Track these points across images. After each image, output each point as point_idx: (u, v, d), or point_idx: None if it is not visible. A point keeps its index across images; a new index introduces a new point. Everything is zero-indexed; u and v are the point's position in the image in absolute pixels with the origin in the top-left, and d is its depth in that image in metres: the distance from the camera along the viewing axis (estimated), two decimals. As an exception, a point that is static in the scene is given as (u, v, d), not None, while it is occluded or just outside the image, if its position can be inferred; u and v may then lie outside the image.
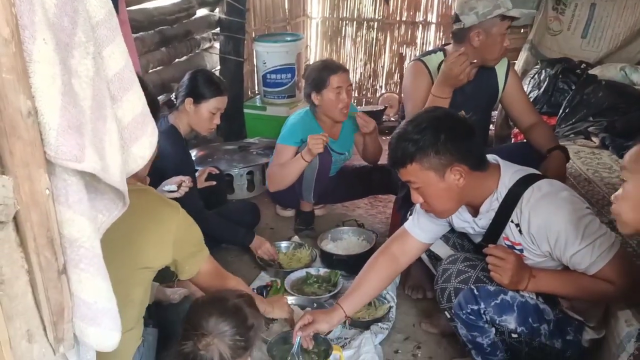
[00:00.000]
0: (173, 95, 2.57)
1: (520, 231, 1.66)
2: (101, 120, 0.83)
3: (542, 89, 3.45)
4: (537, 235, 1.62)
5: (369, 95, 5.39)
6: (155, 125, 0.99)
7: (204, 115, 2.47)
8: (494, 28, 2.22)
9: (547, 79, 3.45)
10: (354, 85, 5.41)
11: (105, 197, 0.93)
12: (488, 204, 1.72)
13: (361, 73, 5.38)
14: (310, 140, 2.62)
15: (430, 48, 4.87)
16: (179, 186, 2.26)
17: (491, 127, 3.73)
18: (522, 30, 4.28)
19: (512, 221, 1.68)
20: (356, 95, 5.44)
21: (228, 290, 1.50)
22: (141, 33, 3.11)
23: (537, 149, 2.37)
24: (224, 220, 2.59)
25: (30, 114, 0.71)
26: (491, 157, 1.77)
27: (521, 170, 1.73)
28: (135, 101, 0.93)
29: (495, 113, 3.64)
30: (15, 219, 0.75)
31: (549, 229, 1.59)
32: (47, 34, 0.72)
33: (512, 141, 3.40)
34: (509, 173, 1.71)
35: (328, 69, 2.80)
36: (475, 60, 2.24)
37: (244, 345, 1.32)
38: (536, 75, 3.53)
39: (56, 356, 0.84)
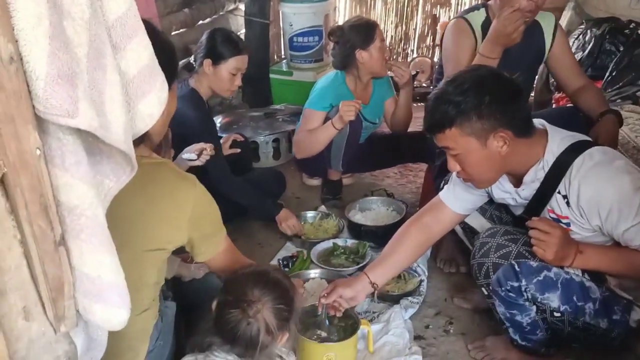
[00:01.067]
0: (192, 58, 2.45)
1: (568, 203, 1.52)
2: (100, 70, 0.72)
3: (587, 51, 3.22)
4: (587, 208, 1.47)
5: (399, 59, 5.18)
6: (165, 80, 0.88)
7: (224, 76, 2.35)
8: None
9: (593, 39, 3.22)
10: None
11: (111, 161, 0.83)
12: (533, 173, 1.57)
13: (392, 36, 5.16)
14: (342, 107, 2.49)
15: (467, 8, 4.63)
16: (200, 154, 2.17)
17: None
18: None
19: (559, 192, 1.54)
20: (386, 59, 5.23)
21: (263, 265, 1.45)
22: (163, -8, 2.99)
23: (585, 114, 2.19)
24: (252, 188, 2.50)
25: (13, 59, 0.61)
26: (538, 122, 1.61)
27: (571, 137, 1.57)
28: (141, 51, 0.82)
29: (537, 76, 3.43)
30: (3, 183, 0.66)
31: (601, 202, 1.44)
32: (31, -35, 0.61)
33: (554, 107, 3.20)
34: (557, 139, 1.56)
35: (371, 24, 2.70)
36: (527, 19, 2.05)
37: (287, 316, 1.29)
38: (581, 36, 3.30)
39: (57, 335, 0.76)
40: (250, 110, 3.71)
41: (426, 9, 4.99)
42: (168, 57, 1.08)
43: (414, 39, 5.11)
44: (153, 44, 0.85)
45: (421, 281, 2.13)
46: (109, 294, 0.79)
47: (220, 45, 2.33)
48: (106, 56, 0.73)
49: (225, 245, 1.46)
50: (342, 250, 2.35)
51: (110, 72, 0.74)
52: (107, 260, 0.78)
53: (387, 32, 5.14)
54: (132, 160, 0.83)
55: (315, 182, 3.03)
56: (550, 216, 1.58)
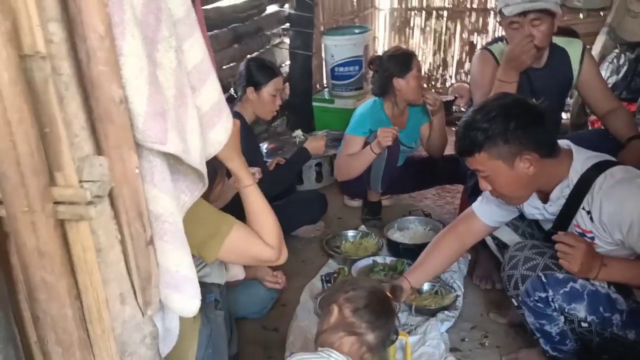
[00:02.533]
0: (232, 90, 2.70)
1: (591, 218, 1.62)
2: (183, 107, 0.92)
3: (621, 74, 3.27)
4: (609, 223, 1.57)
5: (438, 85, 5.32)
6: (230, 113, 1.08)
7: (266, 99, 2.62)
8: (502, 22, 2.29)
9: (627, 63, 3.28)
10: (423, 75, 5.38)
11: (187, 179, 1.03)
12: (559, 190, 1.69)
13: (430, 63, 5.31)
14: (380, 133, 2.67)
15: (489, 40, 4.77)
16: None
17: (566, 115, 3.59)
18: (601, 14, 4.07)
19: (583, 208, 1.64)
20: (425, 85, 5.38)
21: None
22: (215, 31, 3.27)
23: (615, 137, 2.27)
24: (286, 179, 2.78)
25: (122, 101, 0.80)
26: (563, 143, 1.73)
27: (595, 157, 1.68)
28: (212, 91, 1.02)
29: (571, 101, 3.50)
30: (110, 194, 0.85)
31: (622, 217, 1.54)
32: (135, 30, 0.81)
33: (589, 129, 3.26)
34: (582, 159, 1.67)
35: (408, 54, 2.89)
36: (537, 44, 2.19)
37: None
38: (615, 60, 3.36)
39: (144, 318, 0.94)
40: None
41: (463, 36, 5.13)
42: None
43: (452, 65, 5.24)
44: None
45: (457, 296, 2.23)
46: (184, 286, 0.97)
47: (258, 73, 2.61)
48: (187, 96, 0.93)
49: (232, 236, 1.42)
50: (382, 267, 2.48)
51: (190, 108, 0.94)
52: (184, 258, 0.97)
53: (425, 59, 5.30)
54: (204, 178, 1.02)
55: (356, 203, 3.18)
56: (576, 231, 1.68)
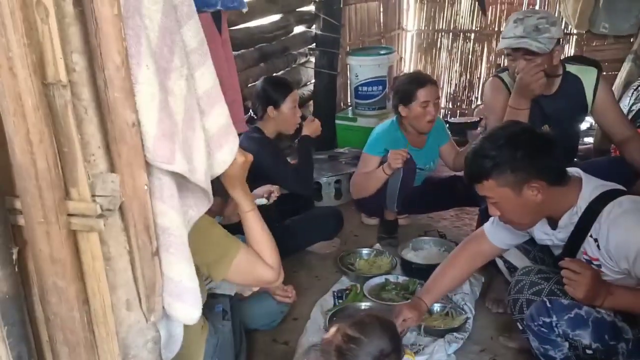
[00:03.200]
0: (251, 112, 2.80)
1: (598, 246, 1.63)
2: (191, 130, 1.00)
3: (645, 101, 3.25)
4: (616, 252, 1.58)
5: (463, 106, 5.34)
6: (237, 134, 1.15)
7: (287, 113, 2.73)
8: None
9: (651, 90, 3.26)
10: (448, 96, 5.41)
11: (195, 195, 1.11)
12: (567, 217, 1.70)
13: (456, 84, 5.34)
14: (390, 155, 2.72)
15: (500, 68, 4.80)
16: (269, 196, 2.45)
17: (590, 139, 3.57)
18: (630, 40, 4.04)
19: (591, 235, 1.66)
20: (451, 107, 5.42)
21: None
22: (242, 50, 3.38)
23: (631, 165, 2.27)
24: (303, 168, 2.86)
25: (134, 124, 0.89)
26: (574, 170, 1.75)
27: (604, 186, 1.69)
28: (221, 114, 1.10)
29: (595, 126, 3.48)
30: (120, 208, 0.93)
31: (628, 247, 1.55)
32: (149, 61, 0.90)
33: (612, 155, 3.23)
34: (590, 187, 1.68)
35: (416, 82, 2.86)
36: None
37: None
38: (639, 87, 3.34)
39: (148, 324, 1.01)
40: (316, 153, 3.97)
41: (490, 59, 5.15)
42: None
43: (478, 87, 5.26)
44: None
45: (467, 319, 2.24)
46: (186, 296, 1.04)
47: (274, 92, 2.72)
48: (195, 120, 1.01)
49: (239, 260, 1.49)
50: (394, 286, 2.50)
51: (198, 131, 1.01)
52: (187, 270, 1.04)
53: (451, 80, 5.34)
54: (209, 195, 1.10)
55: (373, 221, 3.22)
56: (584, 258, 1.69)
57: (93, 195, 0.87)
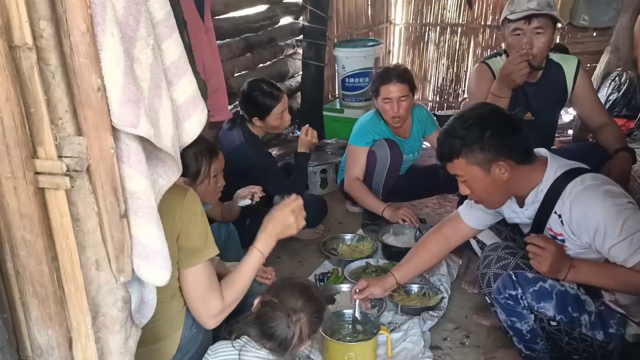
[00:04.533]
0: (241, 111, 2.82)
1: (562, 222, 1.69)
2: (157, 98, 1.05)
3: (622, 91, 3.33)
4: (577, 226, 1.64)
5: (450, 99, 5.40)
6: (205, 106, 1.20)
7: (275, 122, 2.74)
8: (505, 31, 2.35)
9: (628, 81, 3.33)
10: (436, 89, 5.46)
11: (165, 165, 1.16)
12: (533, 195, 1.76)
13: (443, 77, 5.40)
14: (398, 212, 2.85)
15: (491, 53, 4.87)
16: (252, 197, 2.48)
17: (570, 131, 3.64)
18: (610, 32, 4.11)
19: (555, 212, 1.71)
20: (438, 100, 5.48)
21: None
22: (227, 40, 3.43)
23: (605, 150, 2.33)
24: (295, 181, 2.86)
25: (100, 89, 0.93)
26: (541, 151, 1.81)
27: (567, 164, 1.75)
28: (188, 86, 1.14)
29: (575, 116, 3.55)
30: (88, 171, 0.98)
31: (589, 221, 1.60)
32: (115, 29, 0.95)
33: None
34: (555, 166, 1.74)
35: (382, 77, 2.90)
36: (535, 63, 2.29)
37: (317, 328, 1.56)
38: (617, 78, 3.41)
39: (117, 284, 1.06)
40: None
41: (477, 52, 5.21)
42: None
43: (465, 80, 5.32)
44: None
45: (443, 298, 2.31)
46: (155, 258, 1.09)
47: (261, 101, 2.69)
48: (162, 88, 1.05)
49: (204, 266, 1.49)
50: (374, 269, 2.56)
51: (164, 99, 1.06)
52: (156, 233, 1.08)
53: (438, 74, 5.40)
54: (178, 164, 1.15)
55: (357, 209, 3.26)
56: (549, 233, 1.75)
57: (60, 156, 0.92)
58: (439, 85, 5.41)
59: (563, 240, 1.70)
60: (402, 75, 2.90)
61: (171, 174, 1.17)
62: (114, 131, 0.99)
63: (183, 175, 1.74)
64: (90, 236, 1.01)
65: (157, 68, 1.05)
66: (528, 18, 2.25)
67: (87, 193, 0.99)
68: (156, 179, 1.14)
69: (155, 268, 1.10)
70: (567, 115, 3.90)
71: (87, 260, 1.02)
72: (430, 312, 2.22)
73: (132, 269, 1.09)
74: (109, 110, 0.96)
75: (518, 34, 2.30)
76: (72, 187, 0.96)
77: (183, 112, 1.15)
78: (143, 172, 1.05)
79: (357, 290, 2.02)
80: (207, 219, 1.55)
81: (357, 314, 2.00)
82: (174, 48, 1.10)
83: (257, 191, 2.50)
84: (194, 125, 1.17)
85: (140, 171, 1.04)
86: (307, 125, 2.85)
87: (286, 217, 1.62)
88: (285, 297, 1.51)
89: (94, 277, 1.03)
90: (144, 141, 1.05)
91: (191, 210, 1.46)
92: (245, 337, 1.52)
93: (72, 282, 0.97)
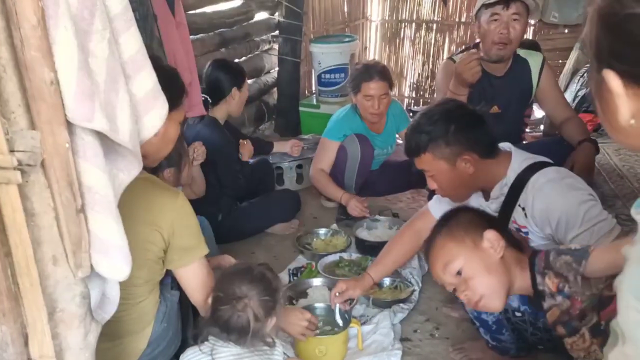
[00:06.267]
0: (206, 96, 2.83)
1: (525, 215, 1.72)
2: (114, 92, 1.04)
3: (590, 87, 3.39)
4: (540, 218, 1.67)
5: (426, 95, 5.44)
6: (166, 100, 1.19)
7: (245, 94, 2.86)
8: (481, 18, 2.40)
9: (596, 76, 3.39)
10: (412, 85, 5.50)
11: (125, 159, 1.15)
12: (498, 189, 1.79)
13: (419, 74, 5.45)
14: (351, 203, 2.88)
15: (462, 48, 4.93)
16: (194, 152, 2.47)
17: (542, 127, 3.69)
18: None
19: (519, 205, 1.75)
20: (414, 95, 5.52)
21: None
22: (201, 35, 3.40)
23: (569, 143, 2.38)
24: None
25: (53, 83, 0.92)
26: (505, 145, 1.84)
27: (531, 158, 1.79)
28: (147, 79, 1.14)
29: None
30: (43, 165, 0.97)
31: (550, 213, 1.64)
32: (68, 22, 0.93)
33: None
34: (519, 160, 1.78)
35: (364, 74, 2.94)
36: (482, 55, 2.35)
37: (272, 305, 1.54)
38: (585, 74, 3.47)
39: (76, 279, 1.05)
40: (280, 139, 4.05)
41: (452, 49, 5.26)
42: (171, 87, 1.38)
43: (440, 75, 5.36)
44: (162, 77, 1.18)
45: (413, 291, 2.34)
46: (114, 253, 1.08)
47: (237, 73, 2.83)
48: (119, 82, 1.05)
49: (199, 264, 1.58)
50: (347, 263, 2.58)
51: (122, 93, 1.05)
52: (114, 228, 1.08)
53: (414, 70, 5.43)
54: (139, 158, 1.14)
55: (332, 204, 3.28)
56: (513, 226, 1.78)
57: (12, 150, 0.90)
58: (415, 81, 5.46)
59: (527, 233, 1.74)
60: (383, 72, 2.95)
61: (132, 168, 1.16)
62: (70, 125, 0.98)
63: (169, 166, 1.79)
64: (47, 231, 1.00)
65: (113, 62, 1.04)
66: (506, 3, 2.30)
67: (43, 188, 0.97)
68: (116, 174, 1.13)
69: (114, 263, 1.09)
70: (540, 111, 3.96)
71: (44, 256, 1.01)
72: (401, 304, 2.24)
73: (92, 265, 1.08)
74: (63, 105, 0.95)
75: (496, 19, 2.35)
76: (27, 182, 0.95)
77: (142, 106, 1.14)
78: (100, 166, 1.04)
79: (337, 294, 2.02)
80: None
81: (338, 319, 2.00)
82: (132, 42, 1.09)
83: (196, 146, 2.49)
84: (154, 120, 1.17)
85: (97, 165, 1.04)
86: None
87: (300, 321, 1.84)
88: (228, 287, 1.52)
89: (50, 272, 1.02)
90: (102, 136, 1.04)
91: (185, 211, 1.55)
92: (213, 337, 1.53)
93: (27, 277, 0.96)
